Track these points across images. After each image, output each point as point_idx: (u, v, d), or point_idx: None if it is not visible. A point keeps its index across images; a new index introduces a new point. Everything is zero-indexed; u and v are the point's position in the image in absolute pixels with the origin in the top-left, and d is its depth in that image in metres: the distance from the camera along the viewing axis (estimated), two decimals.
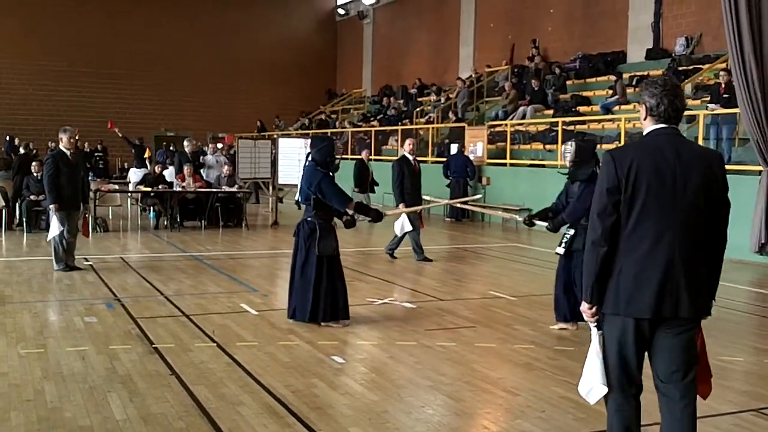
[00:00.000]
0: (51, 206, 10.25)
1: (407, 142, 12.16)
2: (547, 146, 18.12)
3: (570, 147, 7.41)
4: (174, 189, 15.78)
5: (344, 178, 18.38)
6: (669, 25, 19.71)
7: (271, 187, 17.41)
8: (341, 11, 36.99)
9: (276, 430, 4.66)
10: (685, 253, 3.45)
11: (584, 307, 3.62)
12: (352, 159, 25.33)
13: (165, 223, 15.85)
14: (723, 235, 3.59)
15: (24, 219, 14.48)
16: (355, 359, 6.38)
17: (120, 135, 22.29)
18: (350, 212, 7.57)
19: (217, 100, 34.82)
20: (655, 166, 3.43)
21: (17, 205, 14.88)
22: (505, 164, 18.64)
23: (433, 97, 26.40)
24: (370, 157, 19.44)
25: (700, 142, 13.66)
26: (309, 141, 7.58)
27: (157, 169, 17.25)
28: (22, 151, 19.96)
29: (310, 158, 7.52)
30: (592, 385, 3.64)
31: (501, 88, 23.29)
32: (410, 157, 11.71)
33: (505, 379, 5.81)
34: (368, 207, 8.06)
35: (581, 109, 19.15)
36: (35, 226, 14.59)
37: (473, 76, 25.52)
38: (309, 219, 7.41)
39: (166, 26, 33.75)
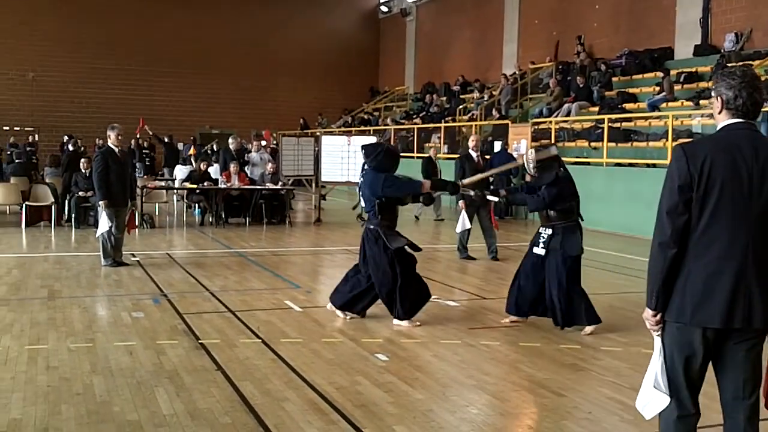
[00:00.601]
0: (100, 203, 10.42)
1: (471, 138, 12.23)
2: (593, 144, 17.90)
3: (531, 155, 7.50)
4: (219, 186, 15.94)
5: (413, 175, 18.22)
6: (718, 20, 19.31)
7: (314, 185, 17.48)
8: (384, 9, 36.96)
9: (321, 426, 4.67)
10: (761, 258, 3.20)
11: (648, 314, 3.36)
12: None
13: (210, 219, 16.01)
14: None
15: (73, 215, 14.73)
16: (399, 357, 6.37)
17: (150, 133, 22.54)
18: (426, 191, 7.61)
19: (260, 97, 35.08)
20: (731, 164, 3.18)
21: (66, 201, 15.16)
22: None
23: (476, 94, 26.26)
24: (438, 155, 19.34)
25: None
26: (362, 152, 7.62)
27: (203, 167, 17.43)
28: (70, 148, 20.32)
29: (367, 167, 7.55)
30: (653, 396, 3.37)
31: (545, 85, 23.07)
32: (473, 154, 11.74)
33: (550, 380, 5.75)
34: (444, 181, 7.90)
35: (627, 106, 18.88)
36: (84, 222, 14.84)
37: (517, 72, 25.32)
38: (372, 227, 7.40)
39: (211, 25, 34.08)
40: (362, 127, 29.94)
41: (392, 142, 26.08)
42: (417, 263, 7.61)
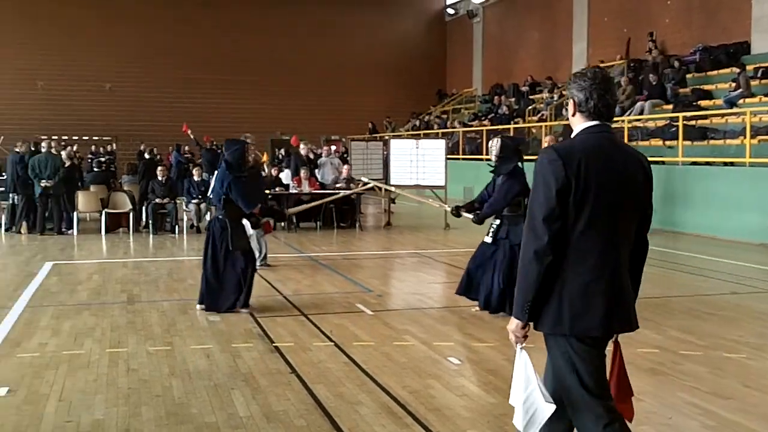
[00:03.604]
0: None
1: (545, 139, 12.10)
2: (667, 142, 17.50)
3: (495, 143, 7.97)
4: (290, 191, 16.13)
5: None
6: None
7: (382, 189, 17.52)
8: (450, 11, 36.89)
9: (394, 430, 4.68)
10: (625, 261, 3.18)
11: (517, 326, 3.16)
12: (464, 159, 25.22)
13: (282, 224, 16.21)
14: (647, 241, 3.36)
15: (150, 221, 15.13)
16: (471, 360, 6.34)
17: (192, 137, 22.67)
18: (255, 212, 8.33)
19: (329, 103, 35.41)
20: (602, 167, 3.09)
21: (143, 208, 15.58)
22: None
23: (545, 95, 25.97)
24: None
25: None
26: (225, 144, 8.31)
27: (274, 172, 17.68)
28: (147, 156, 20.85)
29: (222, 160, 8.14)
30: (535, 407, 3.15)
31: (617, 84, 22.67)
32: None
33: None
34: (272, 209, 8.47)
35: (702, 103, 18.41)
36: (161, 228, 15.23)
37: None
38: (220, 217, 8.04)
39: (280, 33, 34.59)
40: (427, 130, 29.92)
41: (461, 145, 26.00)
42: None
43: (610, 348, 3.36)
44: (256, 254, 10.10)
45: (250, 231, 10.35)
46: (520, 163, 7.81)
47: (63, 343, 6.73)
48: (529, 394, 3.16)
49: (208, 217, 15.64)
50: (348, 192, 15.12)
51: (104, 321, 7.62)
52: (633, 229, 3.23)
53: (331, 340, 6.84)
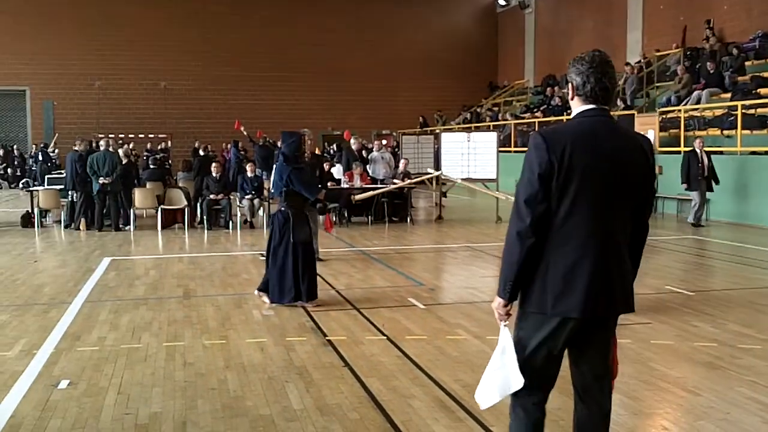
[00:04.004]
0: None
1: (698, 140, 12.04)
2: (725, 132, 17.10)
3: None
4: (341, 186, 16.19)
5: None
6: None
7: (434, 182, 17.49)
8: (502, 2, 36.58)
9: (448, 424, 4.67)
10: (618, 245, 3.18)
11: (499, 304, 3.25)
12: (516, 152, 24.98)
13: (333, 219, 16.27)
14: (647, 225, 3.37)
15: (204, 217, 15.34)
16: None
17: (245, 133, 22.89)
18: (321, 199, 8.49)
19: (380, 97, 35.46)
20: (591, 151, 3.11)
21: (198, 204, 15.80)
22: (679, 152, 17.75)
23: None
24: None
25: None
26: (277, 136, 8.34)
27: (325, 167, 17.77)
28: (201, 153, 21.11)
29: (279, 153, 8.22)
30: (501, 382, 3.27)
31: (673, 73, 22.23)
32: (698, 152, 11.57)
33: (685, 378, 5.53)
34: (336, 195, 8.45)
35: (762, 91, 17.91)
36: (215, 224, 15.43)
37: (642, 61, 24.50)
38: (282, 209, 8.13)
39: (329, 30, 34.77)
40: (478, 123, 29.73)
41: (512, 138, 25.80)
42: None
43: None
44: None
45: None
46: None
47: (121, 337, 6.88)
48: (499, 368, 3.28)
49: (261, 213, 15.85)
50: (414, 180, 15.21)
51: (161, 315, 7.76)
52: (628, 214, 3.24)
53: (383, 334, 6.86)
